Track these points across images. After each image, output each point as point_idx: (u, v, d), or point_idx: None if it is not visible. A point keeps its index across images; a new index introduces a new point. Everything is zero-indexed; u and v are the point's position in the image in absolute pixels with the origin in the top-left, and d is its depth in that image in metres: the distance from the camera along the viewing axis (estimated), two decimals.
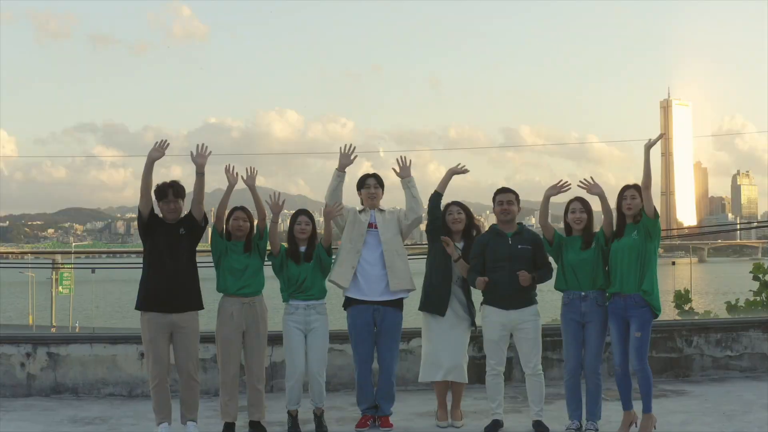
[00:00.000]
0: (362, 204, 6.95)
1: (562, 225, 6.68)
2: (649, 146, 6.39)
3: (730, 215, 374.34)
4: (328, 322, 6.70)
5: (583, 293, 6.40)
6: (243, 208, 6.76)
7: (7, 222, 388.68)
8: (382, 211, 6.88)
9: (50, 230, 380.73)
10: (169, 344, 6.35)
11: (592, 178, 6.47)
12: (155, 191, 6.44)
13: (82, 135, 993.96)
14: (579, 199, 6.57)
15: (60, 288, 60.28)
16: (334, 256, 6.85)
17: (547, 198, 6.56)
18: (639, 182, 6.29)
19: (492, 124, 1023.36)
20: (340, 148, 6.89)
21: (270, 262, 6.71)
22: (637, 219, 6.32)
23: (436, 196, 6.88)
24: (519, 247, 6.50)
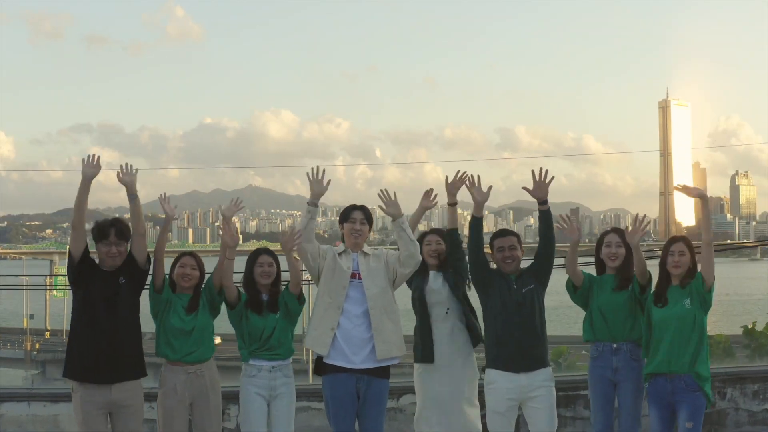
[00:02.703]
0: (343, 242, 5.84)
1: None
2: (699, 195, 5.49)
3: (728, 216, 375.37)
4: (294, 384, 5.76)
5: (615, 345, 5.49)
6: (192, 254, 5.74)
7: (5, 222, 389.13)
8: (366, 255, 5.74)
9: (48, 230, 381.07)
10: (107, 426, 5.30)
11: (642, 218, 5.52)
12: (93, 230, 5.44)
13: (77, 135, 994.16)
14: (616, 231, 5.72)
15: (54, 292, 60.36)
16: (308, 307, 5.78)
17: (575, 244, 5.74)
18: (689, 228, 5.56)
19: (488, 125, 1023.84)
20: (308, 173, 5.70)
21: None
22: (685, 282, 5.34)
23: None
24: (524, 290, 5.65)
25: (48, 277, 61.35)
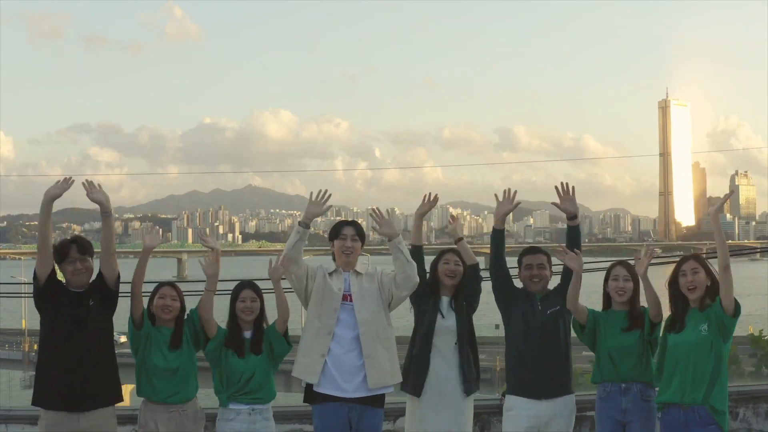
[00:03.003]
0: (334, 261, 5.46)
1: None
2: (716, 211, 5.36)
3: (728, 216, 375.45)
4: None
5: (623, 385, 5.16)
6: (172, 285, 5.35)
7: (5, 222, 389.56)
8: (358, 274, 5.40)
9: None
10: None
11: (652, 248, 5.22)
12: (54, 252, 5.08)
13: (76, 136, 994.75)
14: (623, 264, 5.33)
15: None
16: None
17: (577, 277, 5.24)
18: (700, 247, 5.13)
19: (488, 125, 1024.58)
20: (311, 194, 5.42)
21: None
22: (704, 305, 4.95)
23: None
24: (549, 312, 5.37)
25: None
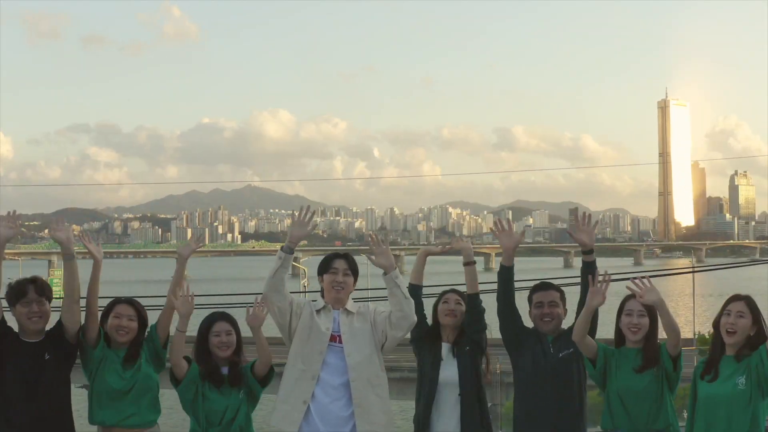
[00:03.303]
0: (323, 297, 4.97)
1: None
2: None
3: (728, 216, 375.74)
4: None
5: None
6: (130, 301, 4.86)
7: None
8: (350, 313, 4.89)
9: (47, 231, 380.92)
10: None
11: (649, 280, 4.65)
12: (8, 293, 4.58)
13: (75, 135, 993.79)
14: (638, 299, 4.72)
15: None
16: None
17: (590, 311, 4.71)
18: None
19: (486, 125, 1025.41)
20: (293, 213, 4.98)
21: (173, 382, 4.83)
22: (742, 353, 4.42)
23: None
24: (561, 355, 4.92)
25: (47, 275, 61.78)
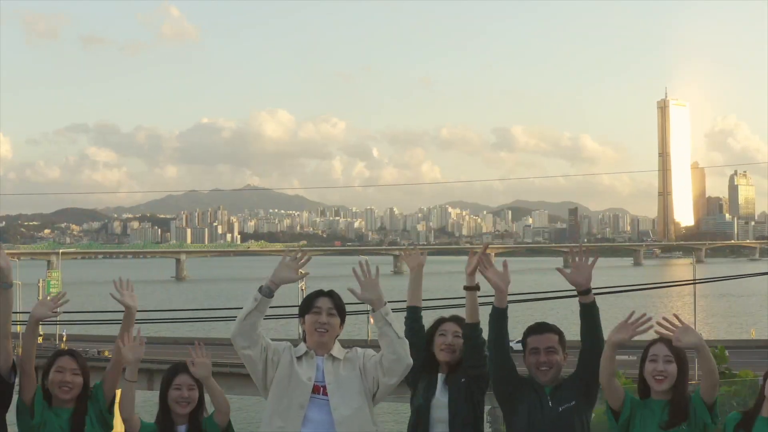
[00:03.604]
0: (305, 341, 4.34)
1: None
2: None
3: (727, 215, 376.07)
4: None
5: None
6: (72, 355, 4.31)
7: (3, 223, 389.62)
8: (336, 359, 4.24)
9: (47, 230, 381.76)
10: None
11: (677, 317, 4.13)
12: None
13: (74, 135, 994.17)
14: (665, 342, 4.14)
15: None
16: None
17: (614, 345, 4.15)
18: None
19: (485, 125, 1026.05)
20: (284, 254, 4.36)
21: None
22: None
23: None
24: (561, 409, 4.28)
25: (39, 281, 61.77)
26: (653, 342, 4.18)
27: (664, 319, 4.07)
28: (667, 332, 4.04)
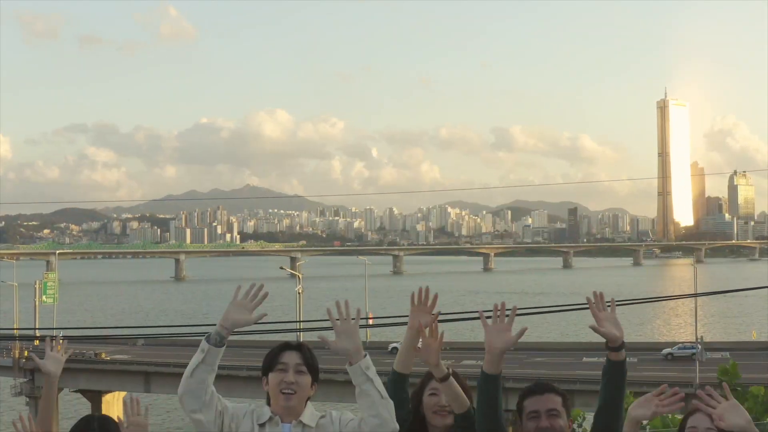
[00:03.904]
0: (269, 404, 3.58)
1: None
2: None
3: (727, 215, 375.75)
4: None
5: None
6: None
7: (3, 223, 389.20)
8: (306, 426, 3.49)
9: (46, 230, 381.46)
10: None
11: (727, 386, 3.59)
12: None
13: (73, 135, 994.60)
14: (705, 413, 3.53)
15: (44, 297, 60.82)
16: None
17: (636, 422, 3.62)
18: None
19: (485, 124, 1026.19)
20: (237, 289, 3.55)
21: None
22: None
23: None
24: None
25: (36, 282, 61.67)
26: (691, 413, 3.58)
27: (707, 392, 3.42)
28: (707, 408, 3.43)
